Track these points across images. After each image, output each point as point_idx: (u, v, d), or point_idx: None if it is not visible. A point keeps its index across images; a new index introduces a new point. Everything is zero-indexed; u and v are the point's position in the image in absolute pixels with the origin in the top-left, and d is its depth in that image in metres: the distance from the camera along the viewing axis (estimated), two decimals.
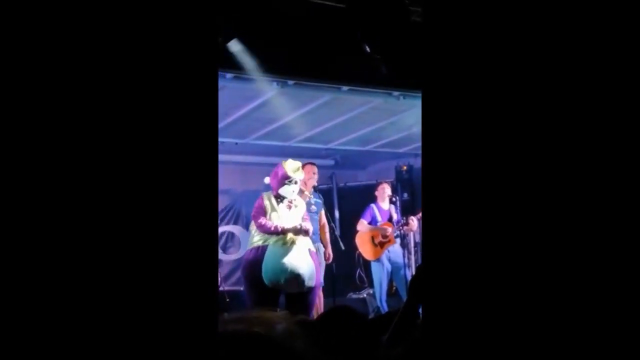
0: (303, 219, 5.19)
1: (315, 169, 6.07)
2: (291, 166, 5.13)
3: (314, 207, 5.88)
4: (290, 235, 4.99)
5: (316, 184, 6.01)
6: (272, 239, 4.99)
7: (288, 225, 5.02)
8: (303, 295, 5.04)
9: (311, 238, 5.82)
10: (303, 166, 6.08)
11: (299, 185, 5.19)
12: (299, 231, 5.01)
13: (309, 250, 5.14)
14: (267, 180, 5.20)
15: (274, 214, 5.06)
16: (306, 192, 5.73)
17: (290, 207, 5.14)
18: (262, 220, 5.01)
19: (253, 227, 5.13)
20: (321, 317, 2.46)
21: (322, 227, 6.13)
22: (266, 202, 5.11)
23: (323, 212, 6.16)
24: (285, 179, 5.09)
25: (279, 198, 5.13)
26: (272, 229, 4.96)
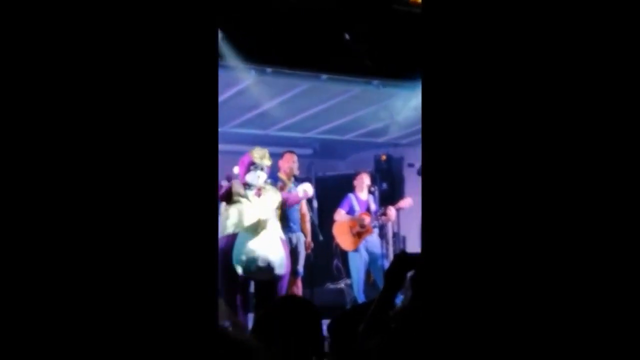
0: (279, 205, 5.17)
1: (295, 158, 6.03)
2: (258, 153, 5.13)
3: None
4: (260, 222, 4.96)
5: (297, 173, 5.95)
6: (243, 226, 4.95)
7: (258, 214, 4.98)
8: (273, 283, 5.03)
9: (291, 227, 5.79)
10: (282, 155, 6.04)
11: (265, 171, 5.15)
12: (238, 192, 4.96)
13: (280, 238, 5.13)
14: (236, 169, 5.18)
15: (244, 201, 5.02)
16: (286, 181, 5.70)
17: (259, 195, 5.11)
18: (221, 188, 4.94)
19: (224, 210, 5.08)
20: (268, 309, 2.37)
21: (302, 217, 6.09)
22: (235, 189, 5.07)
23: (304, 201, 6.12)
24: (251, 165, 5.08)
25: (247, 186, 5.09)
26: (225, 188, 4.92)
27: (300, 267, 5.88)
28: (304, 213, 6.12)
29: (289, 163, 5.95)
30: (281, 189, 5.65)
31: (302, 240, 5.97)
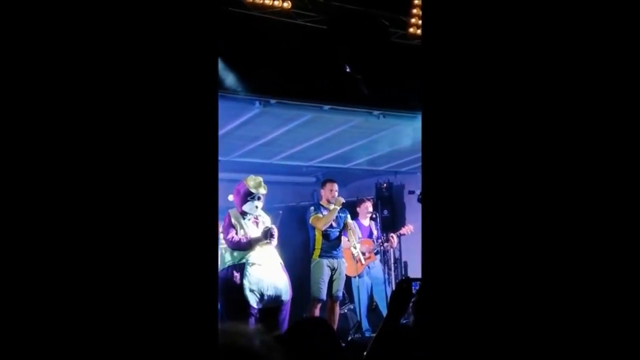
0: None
1: (335, 186, 6.22)
2: (252, 182, 5.20)
3: (334, 224, 6.03)
4: (261, 250, 5.04)
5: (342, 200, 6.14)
6: (245, 257, 5.02)
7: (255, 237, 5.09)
8: (277, 309, 5.10)
9: (333, 254, 5.99)
10: (324, 184, 6.23)
11: (262, 200, 5.26)
12: (267, 234, 5.07)
13: (280, 264, 5.21)
14: (230, 197, 5.26)
15: (241, 231, 5.11)
16: (335, 206, 5.92)
17: (257, 223, 5.21)
18: (231, 235, 5.05)
19: (223, 244, 5.16)
20: (291, 328, 2.46)
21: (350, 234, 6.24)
22: (233, 220, 5.16)
23: (350, 222, 6.28)
24: (248, 196, 5.16)
25: (244, 215, 5.19)
26: (243, 241, 5.02)
27: (340, 292, 6.08)
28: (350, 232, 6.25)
29: (332, 193, 6.13)
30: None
31: (344, 265, 6.14)
